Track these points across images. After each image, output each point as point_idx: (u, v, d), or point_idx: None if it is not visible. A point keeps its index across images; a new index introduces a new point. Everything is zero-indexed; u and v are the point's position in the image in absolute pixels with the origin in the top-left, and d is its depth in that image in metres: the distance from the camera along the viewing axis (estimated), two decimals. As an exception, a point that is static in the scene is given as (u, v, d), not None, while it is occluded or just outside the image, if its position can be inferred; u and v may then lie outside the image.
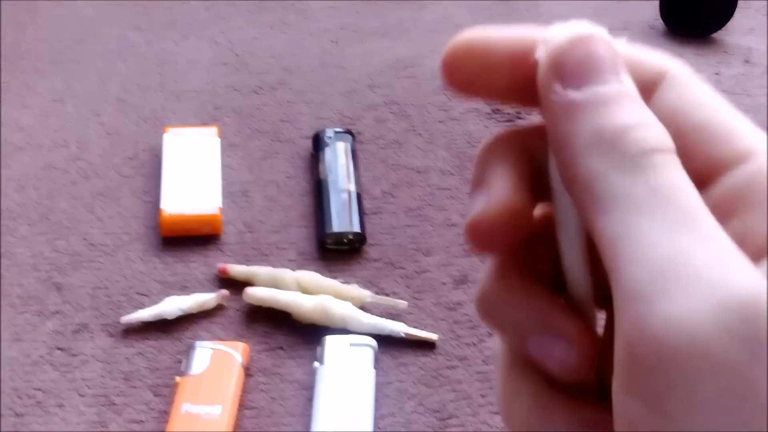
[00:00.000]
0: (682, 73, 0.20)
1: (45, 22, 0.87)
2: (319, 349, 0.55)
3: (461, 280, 0.62)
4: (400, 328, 0.57)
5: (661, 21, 0.90)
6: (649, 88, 0.20)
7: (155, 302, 0.58)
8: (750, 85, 0.83)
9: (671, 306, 0.15)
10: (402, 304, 0.59)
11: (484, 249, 0.20)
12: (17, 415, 0.53)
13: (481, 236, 0.19)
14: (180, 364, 0.55)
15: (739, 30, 0.90)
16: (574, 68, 0.18)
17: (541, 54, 0.19)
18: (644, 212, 0.16)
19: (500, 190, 0.19)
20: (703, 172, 0.19)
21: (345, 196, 0.65)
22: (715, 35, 0.89)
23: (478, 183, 0.20)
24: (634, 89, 0.18)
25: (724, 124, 0.19)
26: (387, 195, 0.69)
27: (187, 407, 0.51)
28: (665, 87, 0.20)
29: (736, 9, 0.87)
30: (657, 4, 0.90)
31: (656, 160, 0.17)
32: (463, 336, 0.58)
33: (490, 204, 0.19)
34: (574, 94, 0.18)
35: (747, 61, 0.86)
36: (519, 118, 0.77)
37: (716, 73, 0.84)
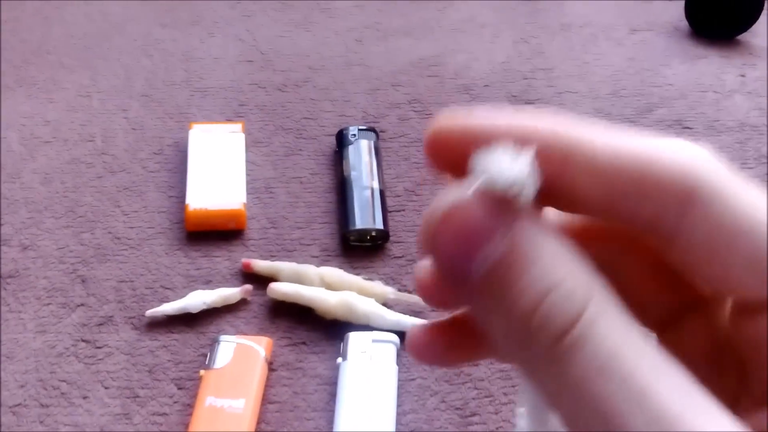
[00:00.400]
0: (716, 185, 0.16)
1: (72, 18, 0.88)
2: (342, 344, 0.55)
3: (484, 279, 0.62)
4: (423, 326, 0.57)
5: (686, 22, 0.89)
6: (673, 215, 0.17)
7: (180, 296, 0.59)
8: (777, 88, 0.82)
9: None
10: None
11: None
12: (42, 405, 0.53)
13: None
14: (204, 358, 0.55)
15: (764, 32, 0.89)
16: (449, 260, 0.16)
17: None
18: (567, 414, 0.15)
19: None
20: (746, 306, 0.17)
21: (368, 193, 0.66)
22: (740, 37, 0.89)
23: None
24: (530, 233, 0.16)
25: None
26: (410, 193, 0.69)
27: (210, 400, 0.52)
28: (698, 212, 0.16)
29: (762, 11, 0.87)
30: (682, 4, 0.89)
31: (568, 344, 0.15)
32: (485, 334, 0.58)
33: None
34: (464, 290, 0.16)
35: (773, 63, 0.85)
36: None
37: (741, 75, 0.84)
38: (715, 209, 0.16)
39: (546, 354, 0.15)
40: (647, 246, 0.19)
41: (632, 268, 0.20)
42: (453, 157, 0.18)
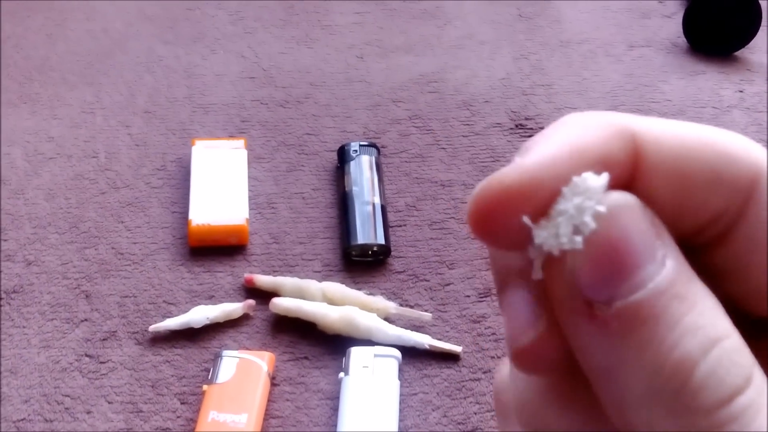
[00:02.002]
0: None
1: (75, 35, 0.89)
2: (344, 359, 0.55)
3: (485, 293, 0.62)
4: (424, 340, 0.57)
5: (684, 38, 0.90)
6: (738, 206, 0.15)
7: (183, 311, 0.59)
8: (774, 103, 0.83)
9: None
10: (426, 316, 0.59)
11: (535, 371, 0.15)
12: (46, 420, 0.53)
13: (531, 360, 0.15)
14: (207, 373, 0.56)
15: (762, 48, 0.90)
16: (596, 274, 0.13)
17: (535, 252, 0.15)
18: None
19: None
20: None
21: (370, 208, 0.66)
22: (738, 53, 0.90)
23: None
24: (685, 270, 0.14)
25: None
26: (411, 208, 0.69)
27: (213, 415, 0.52)
28: (759, 203, 0.15)
29: (760, 27, 0.87)
30: (680, 21, 0.90)
31: (739, 407, 0.12)
32: (487, 348, 0.58)
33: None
34: (603, 312, 0.13)
35: (771, 79, 0.86)
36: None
37: (740, 91, 0.85)
38: None
39: (704, 421, 0.12)
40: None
41: None
42: (504, 227, 0.15)
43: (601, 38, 0.91)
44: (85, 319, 0.60)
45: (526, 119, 0.79)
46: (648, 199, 0.15)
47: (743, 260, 0.15)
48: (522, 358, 0.15)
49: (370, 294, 0.60)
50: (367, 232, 0.64)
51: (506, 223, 0.15)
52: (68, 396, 0.55)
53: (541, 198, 0.14)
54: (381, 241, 0.64)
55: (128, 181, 0.71)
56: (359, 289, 0.61)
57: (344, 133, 0.77)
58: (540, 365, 0.15)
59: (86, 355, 0.57)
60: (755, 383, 0.13)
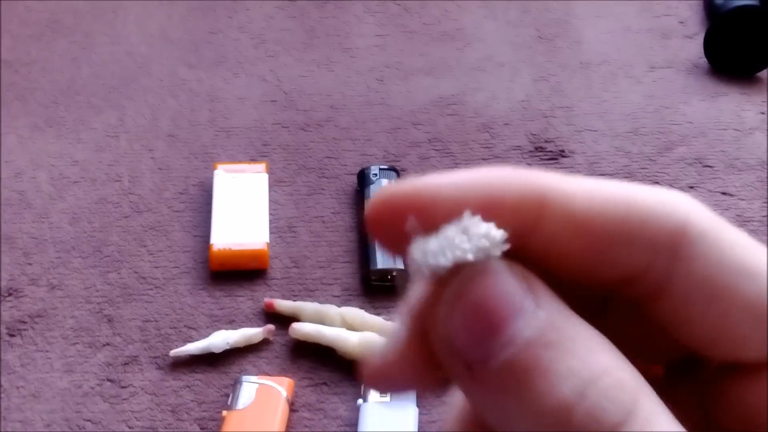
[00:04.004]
0: (708, 228, 0.15)
1: (100, 59, 0.91)
2: (363, 386, 0.55)
3: (505, 319, 0.62)
4: (443, 367, 0.57)
5: (705, 59, 0.90)
6: (662, 263, 0.15)
7: (203, 336, 0.60)
8: (797, 125, 0.82)
9: None
10: (445, 342, 0.59)
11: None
12: (68, 444, 0.54)
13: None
14: (226, 398, 0.56)
15: (785, 69, 0.89)
16: (468, 337, 0.14)
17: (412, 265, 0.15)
18: None
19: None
20: (742, 366, 0.15)
21: (389, 233, 0.66)
22: (760, 74, 0.89)
23: None
24: (561, 317, 0.14)
25: None
26: (431, 232, 0.69)
27: (233, 441, 0.52)
28: (692, 254, 0.15)
29: (783, 48, 0.87)
30: (701, 42, 0.90)
31: None
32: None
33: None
34: (483, 375, 0.14)
35: (794, 101, 0.85)
36: (563, 156, 0.77)
37: (761, 113, 0.84)
38: (710, 251, 0.15)
39: None
40: (626, 300, 0.16)
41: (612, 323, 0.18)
42: (398, 228, 0.15)
43: (622, 59, 0.91)
44: (107, 344, 0.60)
45: (546, 142, 0.79)
46: (547, 251, 0.15)
47: (685, 312, 0.15)
48: (369, 380, 0.16)
49: (390, 320, 0.60)
50: (387, 256, 0.64)
51: (395, 227, 0.15)
52: (89, 420, 0.56)
53: (427, 214, 0.15)
54: (401, 266, 0.64)
55: (151, 205, 0.72)
56: (378, 314, 0.61)
57: (364, 156, 0.77)
58: (387, 386, 0.17)
59: (108, 380, 0.58)
60: (638, 416, 0.13)
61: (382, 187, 0.17)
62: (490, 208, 0.15)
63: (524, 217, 0.15)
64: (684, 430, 0.14)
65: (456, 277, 0.15)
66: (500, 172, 0.16)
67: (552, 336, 0.14)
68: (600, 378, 0.13)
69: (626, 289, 0.16)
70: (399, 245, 0.16)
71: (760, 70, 0.89)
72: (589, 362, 0.13)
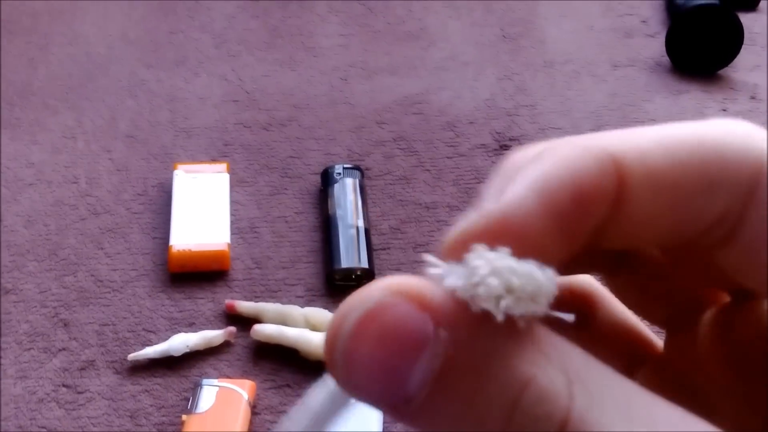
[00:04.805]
0: None
1: (57, 59, 0.89)
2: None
3: (470, 317, 0.61)
4: (408, 366, 0.57)
5: (668, 57, 0.90)
6: (738, 208, 0.14)
7: (162, 339, 0.58)
8: (757, 122, 0.81)
9: None
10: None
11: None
12: (22, 453, 0.52)
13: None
14: (186, 402, 0.55)
15: (744, 67, 0.90)
16: (376, 387, 0.13)
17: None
18: None
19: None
20: None
21: (353, 231, 0.65)
22: (721, 72, 0.90)
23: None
24: (460, 332, 0.13)
25: None
26: (395, 231, 0.69)
27: (193, 446, 0.51)
28: (761, 202, 0.14)
29: (742, 46, 0.88)
30: (663, 40, 0.90)
31: None
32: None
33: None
34: (409, 420, 0.13)
35: (753, 98, 0.86)
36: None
37: (723, 110, 0.85)
38: None
39: None
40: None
41: (648, 264, 0.17)
42: None
43: (585, 58, 0.91)
44: (63, 348, 0.59)
45: (511, 140, 0.79)
46: (637, 217, 0.14)
47: (752, 259, 0.14)
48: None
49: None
50: (351, 255, 0.64)
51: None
52: (44, 428, 0.54)
53: (508, 239, 0.14)
54: (365, 264, 0.63)
55: (109, 207, 0.70)
56: (342, 314, 0.60)
57: (328, 155, 0.76)
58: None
59: (64, 386, 0.56)
60: (572, 419, 0.12)
61: (448, 234, 0.15)
62: (573, 203, 0.14)
63: (605, 192, 0.14)
64: (618, 378, 0.13)
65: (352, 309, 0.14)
66: (564, 155, 0.14)
67: (468, 356, 0.13)
68: (522, 394, 0.12)
69: (703, 239, 0.15)
70: None
71: (721, 67, 0.89)
72: (508, 378, 0.13)
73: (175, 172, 0.70)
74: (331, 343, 0.13)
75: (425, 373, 0.13)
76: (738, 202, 0.14)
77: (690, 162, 0.14)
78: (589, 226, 0.14)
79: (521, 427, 0.12)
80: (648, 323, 0.19)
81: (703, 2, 0.89)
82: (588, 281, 0.19)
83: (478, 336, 0.13)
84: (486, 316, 0.13)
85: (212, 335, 0.58)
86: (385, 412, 0.14)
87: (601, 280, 0.19)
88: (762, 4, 1.00)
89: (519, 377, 0.12)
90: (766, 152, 0.14)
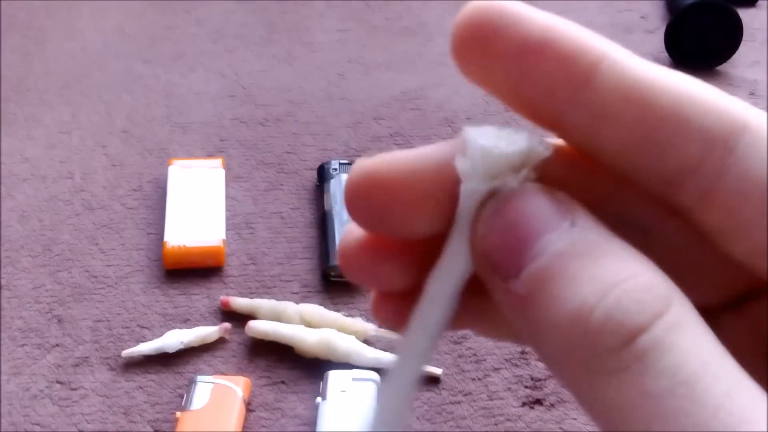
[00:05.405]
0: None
1: (53, 54, 0.88)
2: (321, 383, 0.54)
3: (466, 314, 0.61)
4: (404, 363, 0.56)
5: (666, 53, 0.90)
6: (716, 159, 0.14)
7: (157, 335, 0.58)
8: (757, 118, 0.82)
9: None
10: (406, 337, 0.58)
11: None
12: (15, 450, 0.52)
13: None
14: (181, 399, 0.54)
15: (743, 63, 0.90)
16: (502, 249, 0.14)
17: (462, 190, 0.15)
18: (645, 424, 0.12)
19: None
20: None
21: (349, 228, 0.65)
22: (720, 68, 0.89)
23: None
24: (594, 232, 0.14)
25: None
26: (392, 227, 0.68)
27: (187, 443, 0.51)
28: (742, 157, 0.14)
29: (741, 42, 0.87)
30: (662, 36, 0.90)
31: (642, 346, 0.12)
32: (467, 370, 0.57)
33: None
34: (515, 286, 0.14)
35: (752, 93, 0.86)
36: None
37: (723, 106, 0.84)
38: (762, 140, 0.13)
39: (611, 363, 0.12)
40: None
41: (685, 237, 0.16)
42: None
43: (584, 54, 0.90)
44: (57, 345, 0.58)
45: (508, 136, 0.79)
46: (594, 119, 0.15)
47: (733, 217, 0.14)
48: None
49: (349, 315, 0.59)
50: (347, 252, 0.63)
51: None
52: (38, 424, 0.54)
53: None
54: (360, 261, 0.63)
55: (103, 203, 0.70)
56: (338, 310, 0.60)
57: (324, 151, 0.76)
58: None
59: (57, 382, 0.56)
60: (665, 320, 0.12)
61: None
62: (543, 50, 0.15)
63: (576, 70, 0.14)
64: (721, 347, 0.13)
65: (492, 199, 0.15)
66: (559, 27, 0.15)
67: (582, 248, 0.13)
68: (626, 281, 0.13)
69: (674, 194, 0.14)
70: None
71: (720, 63, 0.89)
72: (616, 269, 0.13)
73: (170, 167, 0.70)
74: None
75: (542, 253, 0.14)
76: (715, 155, 0.14)
77: (668, 97, 0.14)
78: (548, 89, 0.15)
79: (611, 308, 0.12)
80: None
81: (702, -2, 0.88)
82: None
83: (602, 236, 0.14)
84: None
85: (207, 332, 0.58)
86: (492, 282, 0.14)
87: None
88: (761, 1, 1.00)
89: (629, 268, 0.13)
90: (749, 113, 0.14)
